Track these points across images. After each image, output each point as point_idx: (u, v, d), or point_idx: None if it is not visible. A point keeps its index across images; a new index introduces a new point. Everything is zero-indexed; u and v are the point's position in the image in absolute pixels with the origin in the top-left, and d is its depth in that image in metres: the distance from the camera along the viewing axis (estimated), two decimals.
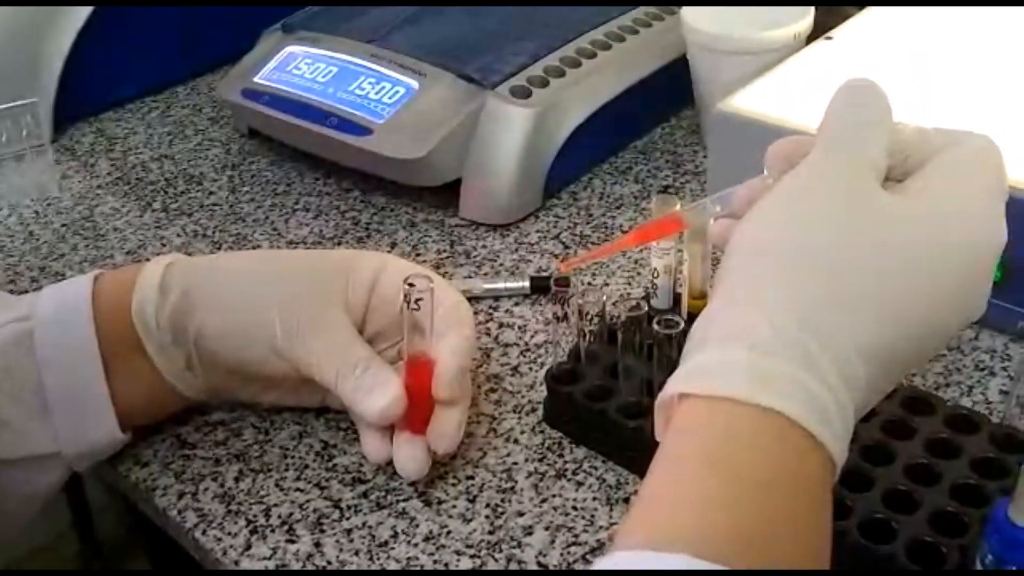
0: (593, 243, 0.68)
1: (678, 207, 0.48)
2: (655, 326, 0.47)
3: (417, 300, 0.47)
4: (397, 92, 0.70)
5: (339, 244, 0.69)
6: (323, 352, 0.49)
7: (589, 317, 0.51)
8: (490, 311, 0.62)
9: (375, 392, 0.48)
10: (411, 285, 0.47)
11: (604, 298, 0.52)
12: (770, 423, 0.32)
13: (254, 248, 0.69)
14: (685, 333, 0.49)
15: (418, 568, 0.46)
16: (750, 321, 0.34)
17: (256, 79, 0.76)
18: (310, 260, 0.55)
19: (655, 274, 0.55)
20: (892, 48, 0.68)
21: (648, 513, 0.33)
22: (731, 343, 0.34)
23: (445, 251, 0.68)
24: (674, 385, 0.34)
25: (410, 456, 0.49)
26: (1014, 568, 0.39)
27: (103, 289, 0.51)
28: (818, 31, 0.71)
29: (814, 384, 0.33)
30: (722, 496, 0.31)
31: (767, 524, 0.31)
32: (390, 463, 0.50)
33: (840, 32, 0.70)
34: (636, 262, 0.65)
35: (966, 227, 0.36)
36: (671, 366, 0.49)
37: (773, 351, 0.33)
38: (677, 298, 0.56)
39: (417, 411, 0.49)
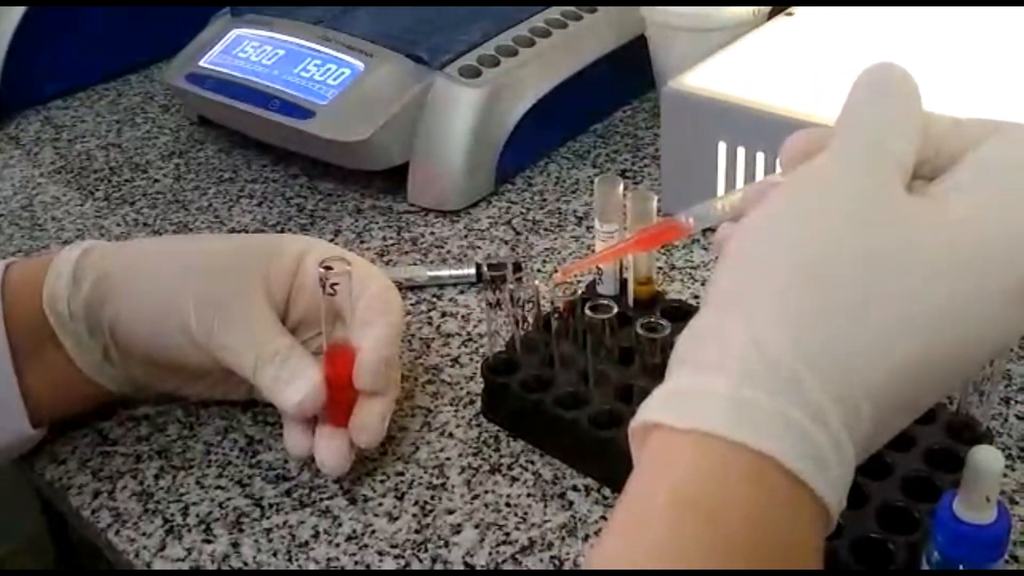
0: (545, 229, 0.65)
1: (682, 215, 0.39)
2: (588, 312, 0.44)
3: (333, 284, 0.44)
4: (342, 74, 0.67)
5: (282, 231, 0.67)
6: (241, 342, 0.46)
7: (521, 304, 0.48)
8: (434, 300, 0.59)
9: (293, 384, 0.45)
10: (327, 268, 0.44)
11: (537, 283, 0.49)
12: (752, 464, 0.28)
13: None
14: (620, 318, 0.47)
15: (338, 568, 0.44)
16: (735, 342, 0.29)
17: (201, 63, 0.73)
18: (229, 245, 0.52)
19: None
20: (854, 24, 0.65)
21: (615, 551, 0.29)
22: (713, 367, 0.29)
23: (391, 238, 0.65)
24: (647, 412, 0.30)
25: (330, 450, 0.46)
26: (960, 567, 0.36)
27: (12, 279, 0.49)
28: (779, 6, 0.68)
29: (807, 421, 0.28)
30: (694, 542, 0.27)
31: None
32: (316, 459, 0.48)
33: (801, 8, 0.68)
34: (588, 247, 0.63)
35: (1004, 236, 0.30)
36: (607, 354, 0.47)
37: (760, 380, 0.28)
38: (624, 284, 0.53)
39: (339, 403, 0.46)
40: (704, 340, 0.31)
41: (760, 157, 0.57)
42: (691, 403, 0.29)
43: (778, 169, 0.35)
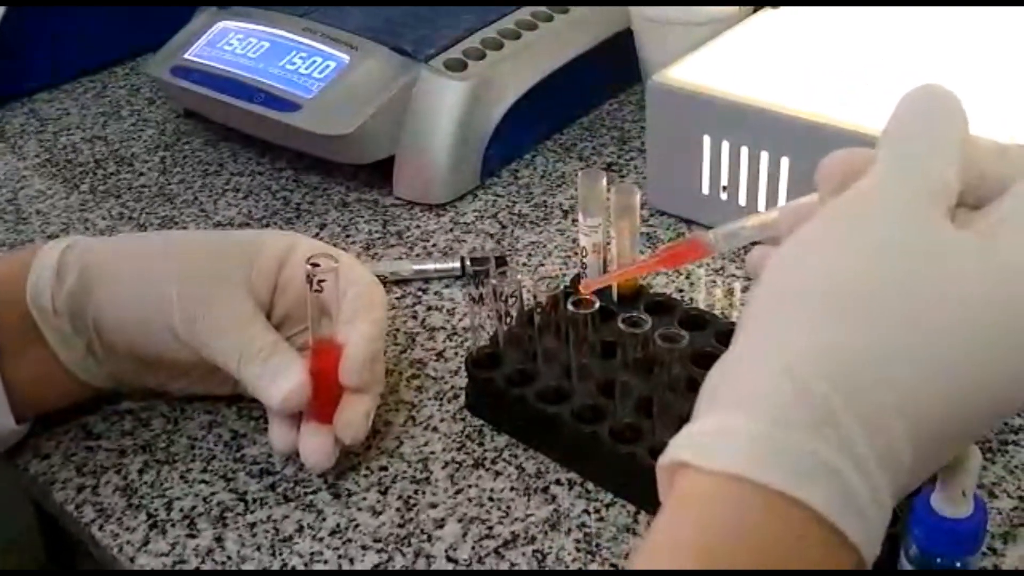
0: (531, 223, 0.65)
1: (710, 234, 0.38)
2: (569, 307, 0.44)
3: (320, 281, 0.44)
4: (327, 66, 0.67)
5: (267, 225, 0.67)
6: (225, 338, 0.46)
7: (505, 298, 0.48)
8: (419, 294, 0.60)
9: (278, 380, 0.45)
10: (314, 265, 0.45)
11: (520, 278, 0.49)
12: (787, 512, 0.26)
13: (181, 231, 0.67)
14: (603, 313, 0.47)
15: (322, 562, 0.44)
16: (770, 379, 0.28)
17: (186, 56, 0.73)
18: (213, 241, 0.52)
19: (583, 253, 0.53)
20: (838, 18, 0.65)
21: None
22: (745, 405, 0.28)
23: (377, 232, 0.65)
24: (675, 451, 0.29)
25: (315, 447, 0.46)
26: (938, 560, 0.36)
27: None
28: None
29: (846, 466, 0.27)
30: None
31: None
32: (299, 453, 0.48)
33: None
34: (574, 241, 0.63)
35: None
36: (590, 349, 0.47)
37: (796, 421, 0.27)
38: None
39: (324, 399, 0.46)
40: (737, 374, 0.29)
41: (744, 151, 0.58)
42: (722, 443, 0.28)
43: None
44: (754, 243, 0.37)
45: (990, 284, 0.29)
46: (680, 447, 0.29)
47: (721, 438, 0.28)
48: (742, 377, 0.29)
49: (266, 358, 0.46)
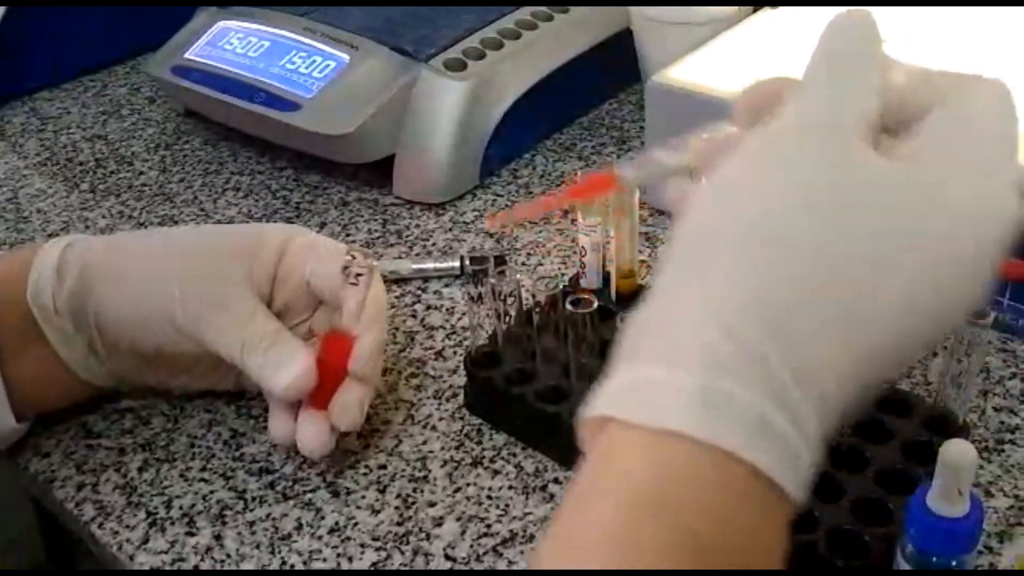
0: (531, 222, 0.65)
1: (621, 164, 0.37)
2: (567, 306, 0.44)
3: (357, 275, 0.45)
4: (327, 66, 0.67)
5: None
6: (227, 327, 0.47)
7: (503, 297, 0.48)
8: (418, 293, 0.60)
9: (284, 367, 0.46)
10: (352, 257, 0.45)
11: (519, 277, 0.49)
12: (720, 467, 0.26)
13: None
14: (602, 312, 0.47)
15: (320, 560, 0.44)
16: (698, 329, 0.27)
17: (187, 55, 0.73)
18: (212, 234, 0.52)
19: (583, 252, 0.53)
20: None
21: (561, 556, 0.26)
22: (672, 355, 0.27)
23: (376, 231, 0.65)
24: (601, 405, 0.27)
25: (311, 432, 0.46)
26: (934, 559, 0.37)
27: None
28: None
29: (784, 420, 0.26)
30: (657, 548, 0.25)
31: None
32: (299, 452, 0.48)
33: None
34: (573, 241, 0.63)
35: (973, 200, 0.29)
36: (589, 348, 0.47)
37: (730, 373, 0.26)
38: (607, 277, 0.53)
39: (326, 388, 0.46)
40: (661, 324, 0.28)
41: None
42: (654, 397, 0.26)
43: None
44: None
45: (915, 212, 0.28)
46: (607, 401, 0.27)
47: (652, 392, 0.27)
48: (668, 327, 0.28)
49: (269, 347, 0.46)
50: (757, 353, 0.26)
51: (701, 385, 0.26)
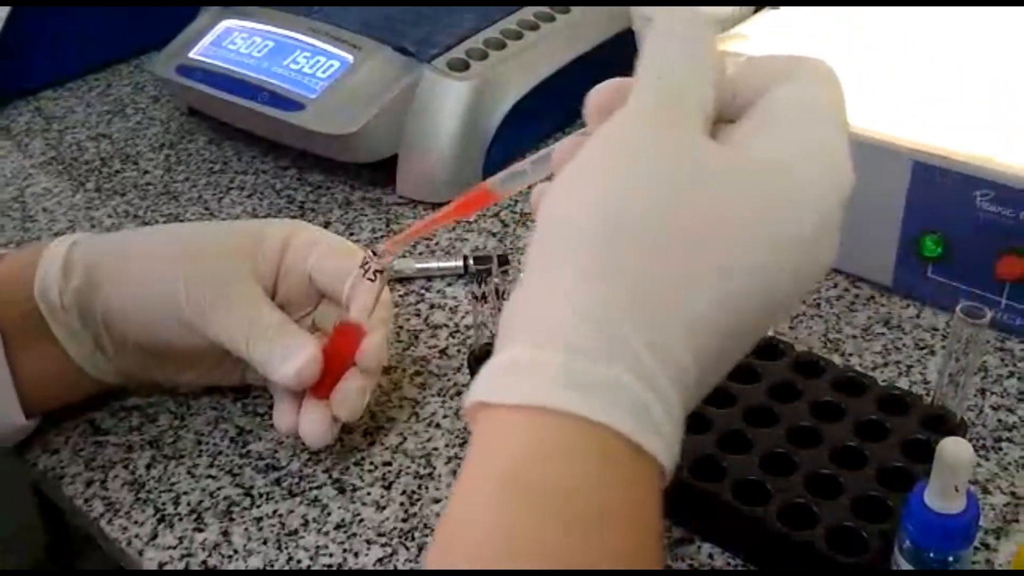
0: (533, 221, 0.65)
1: (494, 179, 0.40)
2: None
3: (376, 272, 0.46)
4: (331, 66, 0.68)
5: None
6: (232, 319, 0.47)
7: (507, 296, 0.49)
8: (422, 292, 0.60)
9: (290, 357, 0.46)
10: (373, 253, 0.46)
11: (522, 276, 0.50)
12: (586, 435, 0.27)
13: None
14: None
15: (327, 556, 0.45)
16: (553, 309, 0.28)
17: (191, 55, 0.74)
18: (217, 230, 0.53)
19: None
20: (839, 19, 0.66)
21: (448, 542, 0.28)
22: (535, 338, 0.28)
23: (380, 230, 0.66)
24: (474, 391, 0.29)
25: (312, 422, 0.47)
26: (931, 554, 0.37)
27: (4, 270, 0.49)
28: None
29: (637, 384, 0.27)
30: (527, 524, 0.26)
31: (584, 552, 0.26)
32: (305, 449, 0.49)
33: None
34: None
35: (807, 176, 0.30)
36: None
37: (585, 346, 0.28)
38: None
39: (328, 378, 0.47)
40: (524, 309, 0.30)
41: None
42: (518, 377, 0.28)
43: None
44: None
45: (747, 193, 0.30)
46: (478, 387, 0.29)
47: (515, 373, 0.28)
48: (528, 311, 0.29)
49: (274, 337, 0.47)
50: (613, 331, 0.28)
51: (561, 361, 0.27)
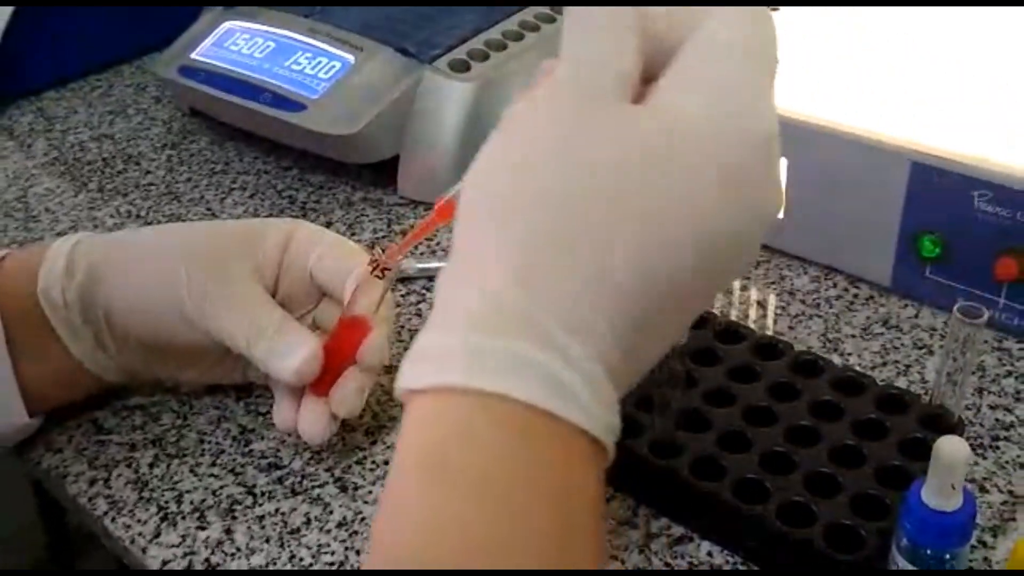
0: None
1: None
2: None
3: (384, 270, 0.46)
4: (333, 67, 0.68)
5: None
6: (234, 315, 0.47)
7: None
8: (423, 292, 0.61)
9: (290, 353, 0.46)
10: (382, 251, 0.46)
11: None
12: (493, 411, 0.27)
13: None
14: None
15: (329, 554, 0.45)
16: (463, 289, 0.29)
17: (193, 56, 0.74)
18: (218, 228, 0.53)
19: None
20: (839, 19, 0.66)
21: (380, 529, 0.28)
22: (444, 323, 0.29)
23: (381, 230, 0.66)
24: (398, 382, 0.29)
25: (311, 419, 0.47)
26: (928, 551, 0.38)
27: (8, 269, 0.50)
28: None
29: (542, 354, 0.27)
30: (447, 507, 0.26)
31: (508, 532, 0.26)
32: (307, 448, 0.49)
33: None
34: None
35: (727, 127, 0.29)
36: None
37: (488, 323, 0.27)
38: None
39: (329, 375, 0.47)
40: (440, 296, 0.30)
41: None
42: (429, 359, 0.28)
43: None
44: None
45: (669, 142, 0.29)
46: (401, 376, 0.29)
47: (429, 357, 0.28)
48: (442, 297, 0.30)
49: (275, 334, 0.47)
50: (512, 302, 0.28)
51: (463, 341, 0.27)
